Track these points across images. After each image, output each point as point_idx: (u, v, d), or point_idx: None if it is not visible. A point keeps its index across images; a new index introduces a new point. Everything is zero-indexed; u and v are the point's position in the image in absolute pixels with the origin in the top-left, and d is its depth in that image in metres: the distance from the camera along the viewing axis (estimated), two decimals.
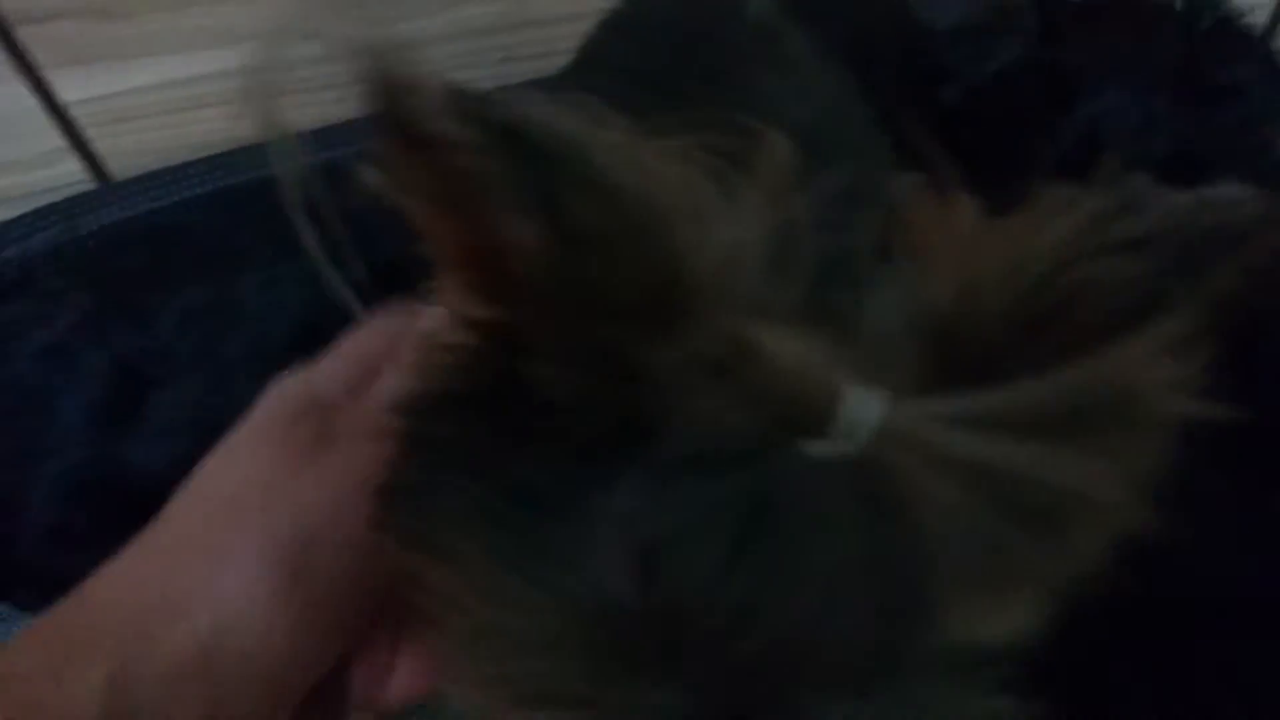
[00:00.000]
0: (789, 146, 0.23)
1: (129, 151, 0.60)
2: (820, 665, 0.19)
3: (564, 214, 0.19)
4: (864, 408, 0.19)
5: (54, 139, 0.58)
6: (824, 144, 0.29)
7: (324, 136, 0.57)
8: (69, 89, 0.57)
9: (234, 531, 0.27)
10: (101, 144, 0.59)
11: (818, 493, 0.19)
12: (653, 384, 0.20)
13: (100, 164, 0.60)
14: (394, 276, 0.26)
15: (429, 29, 0.59)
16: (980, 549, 0.19)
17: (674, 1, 0.42)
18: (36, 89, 0.56)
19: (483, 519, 0.21)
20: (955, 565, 0.19)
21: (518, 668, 0.21)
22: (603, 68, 0.42)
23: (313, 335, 0.31)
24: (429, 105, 0.19)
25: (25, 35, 0.54)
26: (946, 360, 0.20)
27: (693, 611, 0.19)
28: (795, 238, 0.22)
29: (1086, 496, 0.19)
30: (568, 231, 0.19)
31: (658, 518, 0.19)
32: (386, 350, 0.31)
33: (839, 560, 0.19)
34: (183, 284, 0.50)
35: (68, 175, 0.60)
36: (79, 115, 0.58)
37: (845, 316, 0.21)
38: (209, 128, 0.59)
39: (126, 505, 0.31)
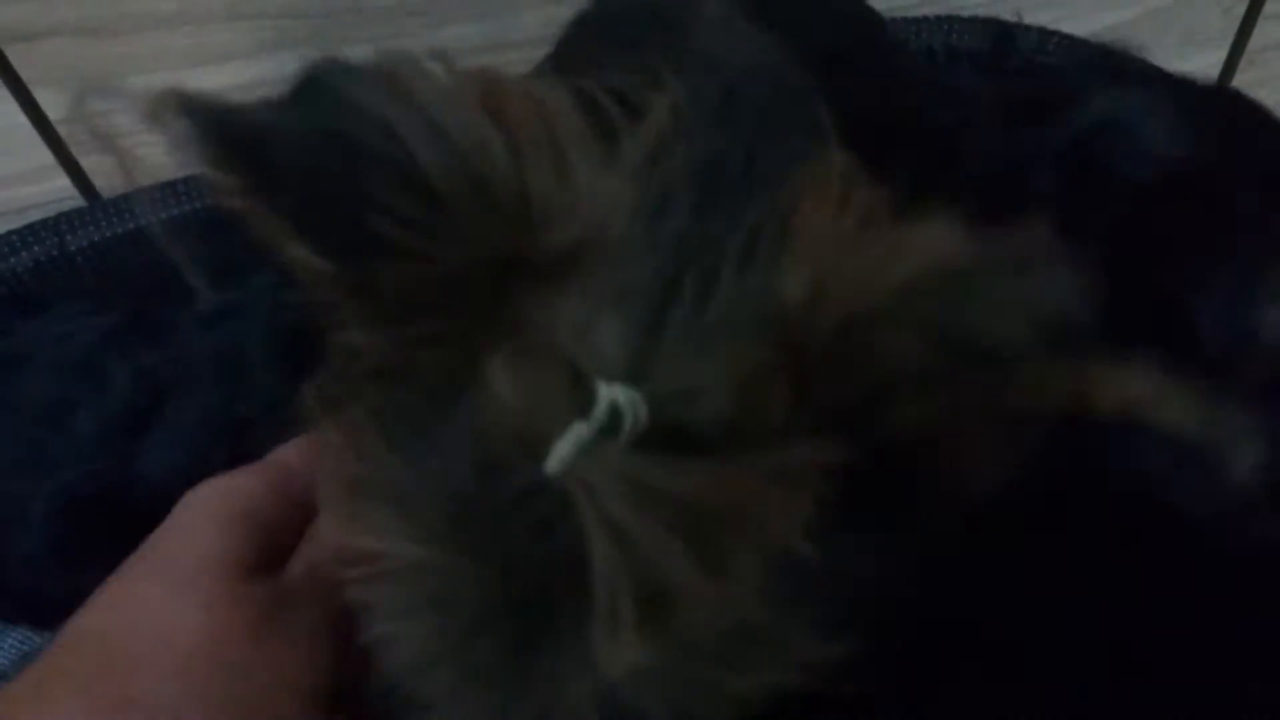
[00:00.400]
0: (675, 108, 0.24)
1: (116, 168, 0.60)
2: None
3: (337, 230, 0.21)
4: (569, 446, 0.21)
5: (43, 155, 0.59)
6: (744, 105, 0.28)
7: None
8: (57, 105, 0.57)
9: (185, 708, 0.27)
10: (89, 161, 0.60)
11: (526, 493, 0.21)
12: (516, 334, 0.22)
13: (89, 180, 0.61)
14: None
15: (415, 47, 0.59)
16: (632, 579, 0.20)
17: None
18: (26, 106, 0.57)
19: (383, 410, 0.24)
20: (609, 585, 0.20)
21: (385, 514, 0.23)
22: (571, 61, 0.42)
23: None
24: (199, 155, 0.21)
25: (15, 53, 0.54)
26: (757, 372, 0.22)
27: (489, 520, 0.22)
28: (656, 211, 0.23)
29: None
30: (342, 246, 0.21)
31: (485, 444, 0.22)
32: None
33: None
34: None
35: (56, 192, 0.60)
36: (67, 132, 0.58)
37: (667, 313, 0.22)
38: None
39: (124, 523, 0.32)
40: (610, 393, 0.21)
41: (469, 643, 0.23)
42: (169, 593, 0.29)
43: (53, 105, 0.57)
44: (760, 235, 0.23)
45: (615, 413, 0.21)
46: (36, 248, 0.55)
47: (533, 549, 0.22)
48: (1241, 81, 0.77)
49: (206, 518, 0.30)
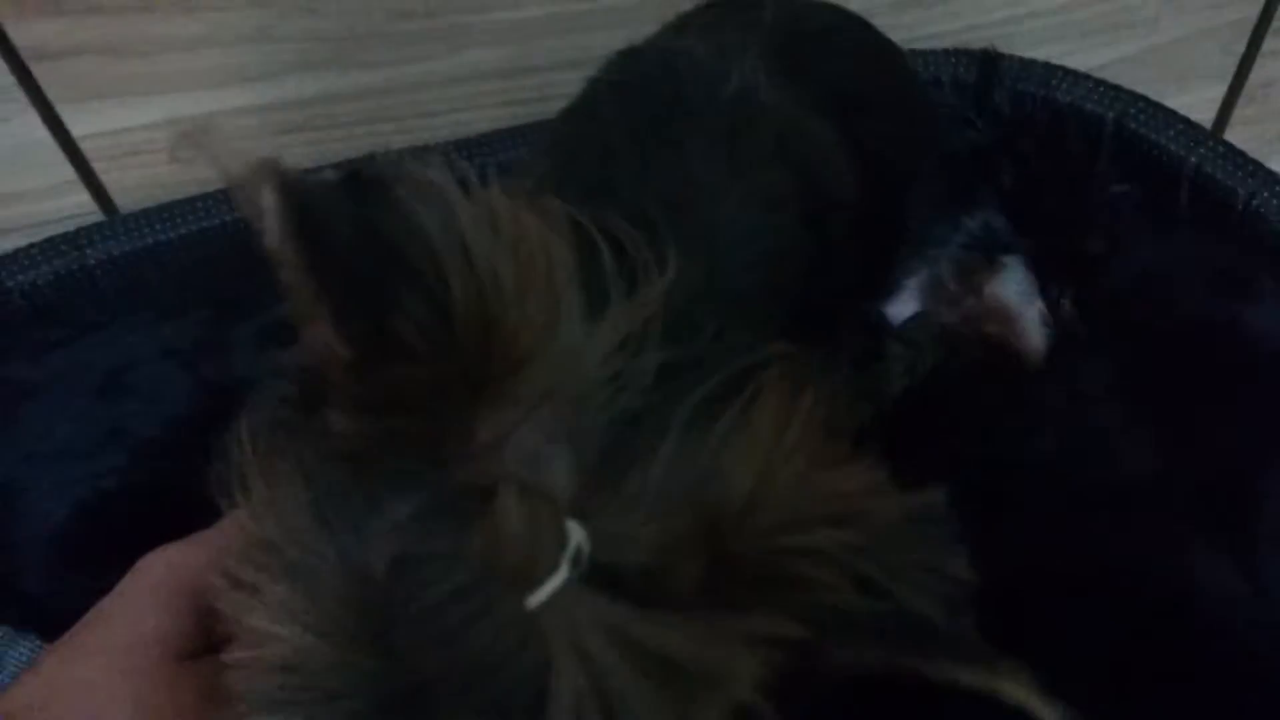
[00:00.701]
0: (667, 283, 0.26)
1: (136, 185, 0.61)
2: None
3: (373, 329, 0.23)
4: (550, 590, 0.23)
5: (64, 171, 0.60)
6: (720, 288, 0.30)
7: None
8: (81, 123, 0.58)
9: None
10: (110, 177, 0.61)
11: (504, 615, 0.23)
12: (463, 444, 0.24)
13: (108, 197, 0.61)
14: None
15: (434, 71, 0.61)
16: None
17: (660, 64, 0.43)
18: (49, 122, 0.58)
19: (316, 464, 0.25)
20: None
21: (284, 590, 0.24)
22: (592, 118, 0.43)
23: None
24: (271, 227, 0.22)
25: (42, 70, 0.55)
26: (681, 550, 0.24)
27: (409, 615, 0.23)
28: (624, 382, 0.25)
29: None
30: (371, 342, 0.23)
31: (417, 538, 0.24)
32: None
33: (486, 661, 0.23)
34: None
35: (76, 207, 0.61)
36: (89, 149, 0.59)
37: (624, 474, 0.24)
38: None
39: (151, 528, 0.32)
40: (578, 533, 0.23)
41: None
42: (105, 675, 0.29)
43: (76, 122, 0.58)
44: (708, 417, 0.25)
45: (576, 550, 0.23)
46: (57, 261, 0.56)
47: (480, 664, 0.23)
48: (1240, 117, 0.79)
49: (151, 593, 0.31)
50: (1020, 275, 0.51)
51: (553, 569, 0.22)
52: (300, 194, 0.23)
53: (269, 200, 0.22)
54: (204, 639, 0.30)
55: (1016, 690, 0.22)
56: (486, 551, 0.23)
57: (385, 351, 0.24)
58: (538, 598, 0.22)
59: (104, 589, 0.31)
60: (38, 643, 0.45)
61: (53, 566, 0.45)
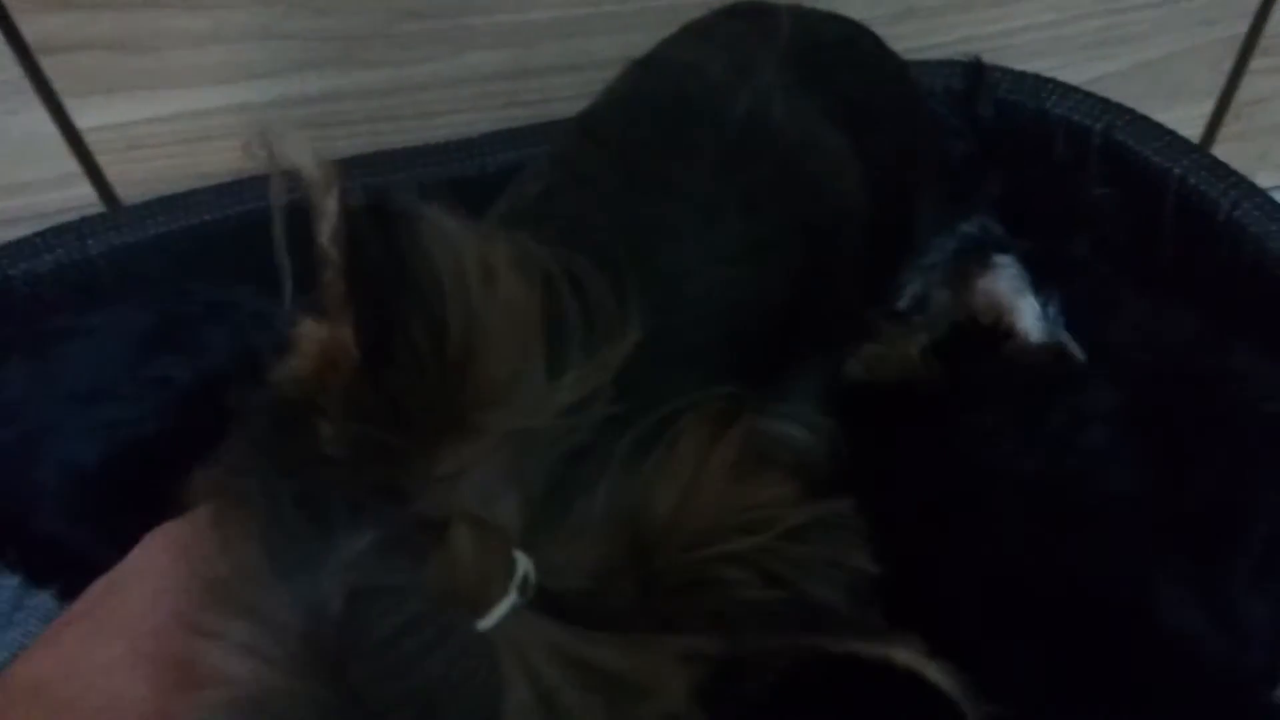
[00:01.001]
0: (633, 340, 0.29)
1: (140, 179, 0.62)
2: None
3: (393, 336, 0.25)
4: (499, 614, 0.25)
5: (68, 163, 0.60)
6: (667, 352, 0.32)
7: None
8: (86, 116, 0.59)
9: None
10: (113, 170, 0.62)
11: (458, 641, 0.25)
12: (421, 480, 0.26)
13: (111, 190, 0.62)
14: None
15: (437, 72, 0.62)
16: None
17: (671, 83, 0.44)
18: (55, 114, 0.58)
19: (270, 506, 0.26)
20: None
21: (241, 629, 0.26)
22: (592, 138, 0.44)
23: None
24: (327, 228, 0.25)
25: (50, 63, 0.56)
26: (614, 568, 0.26)
27: (365, 648, 0.25)
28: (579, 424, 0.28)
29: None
30: (390, 349, 0.25)
31: (374, 572, 0.25)
32: None
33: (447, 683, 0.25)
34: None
35: (79, 199, 0.62)
36: (94, 142, 0.60)
37: (569, 505, 0.27)
38: (220, 159, 0.61)
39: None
40: (525, 563, 0.25)
41: None
42: (125, 657, 0.30)
43: (82, 115, 0.59)
44: (642, 453, 0.28)
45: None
46: (60, 250, 0.57)
47: (434, 692, 0.25)
48: (1227, 134, 0.80)
49: (165, 573, 0.31)
50: (1013, 272, 0.52)
51: (502, 595, 0.25)
52: (366, 204, 0.25)
53: (331, 204, 0.24)
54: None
55: (908, 657, 0.25)
56: (441, 580, 0.25)
57: (387, 363, 0.25)
58: (488, 621, 0.25)
59: (122, 536, 0.31)
60: (52, 602, 0.45)
61: (74, 511, 0.45)
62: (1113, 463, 0.44)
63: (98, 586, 0.32)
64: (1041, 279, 0.54)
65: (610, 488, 0.27)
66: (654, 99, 0.44)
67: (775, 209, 0.40)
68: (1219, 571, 0.42)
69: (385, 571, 0.25)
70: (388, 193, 0.26)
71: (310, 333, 0.27)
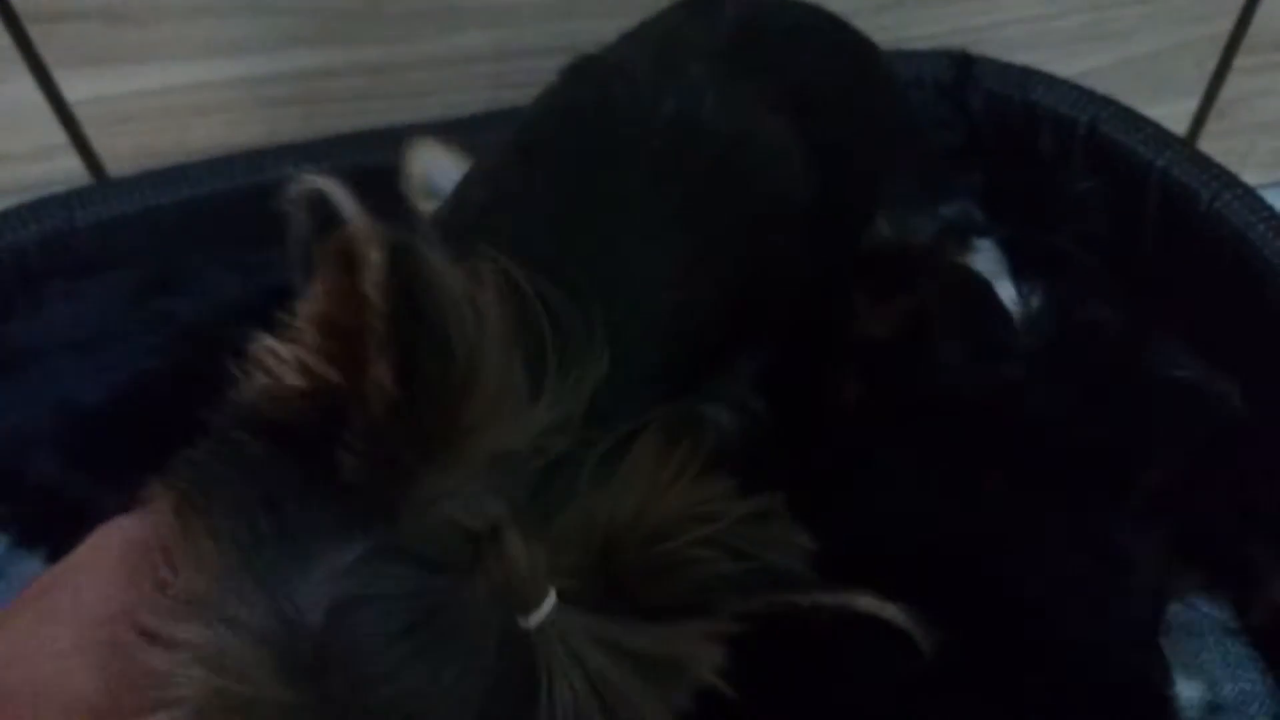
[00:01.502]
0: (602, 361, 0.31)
1: (127, 152, 0.62)
2: None
3: (412, 370, 0.26)
4: (542, 610, 0.27)
5: (56, 135, 0.60)
6: (624, 374, 0.33)
7: (323, 148, 0.60)
8: (75, 87, 0.59)
9: None
10: (101, 143, 0.61)
11: (477, 633, 0.27)
12: (414, 498, 0.27)
13: (98, 162, 0.62)
14: None
15: (426, 51, 0.62)
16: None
17: (598, 89, 0.44)
18: (43, 85, 0.58)
19: (243, 517, 0.27)
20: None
21: (213, 639, 0.26)
22: (527, 155, 0.44)
23: None
24: (363, 251, 0.26)
25: (37, 33, 0.56)
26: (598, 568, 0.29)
27: (348, 657, 0.26)
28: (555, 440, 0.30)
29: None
30: (408, 381, 0.26)
31: (362, 583, 0.26)
32: None
33: (462, 683, 0.26)
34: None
35: (65, 171, 0.61)
36: (82, 113, 0.60)
37: (549, 516, 0.29)
38: (209, 133, 0.61)
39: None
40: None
41: None
42: (75, 644, 0.30)
43: (71, 86, 0.59)
44: (607, 465, 0.31)
45: None
46: (47, 221, 0.57)
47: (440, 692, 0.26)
48: (1211, 131, 0.81)
49: (117, 567, 0.31)
50: (993, 255, 0.53)
51: (546, 592, 0.27)
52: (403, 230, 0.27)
53: (376, 258, 0.25)
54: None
55: (868, 603, 0.28)
56: (493, 581, 0.27)
57: (405, 392, 0.27)
58: (538, 616, 0.27)
59: (119, 481, 0.31)
60: (40, 568, 0.45)
61: (72, 453, 0.45)
62: (1030, 394, 0.47)
63: (46, 577, 0.32)
64: (1024, 268, 0.54)
65: (581, 499, 0.30)
66: (581, 109, 0.44)
67: (712, 211, 0.41)
68: (1109, 509, 0.44)
69: (375, 581, 0.26)
70: (401, 236, 0.27)
71: (274, 351, 0.28)
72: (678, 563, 0.29)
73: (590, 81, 0.45)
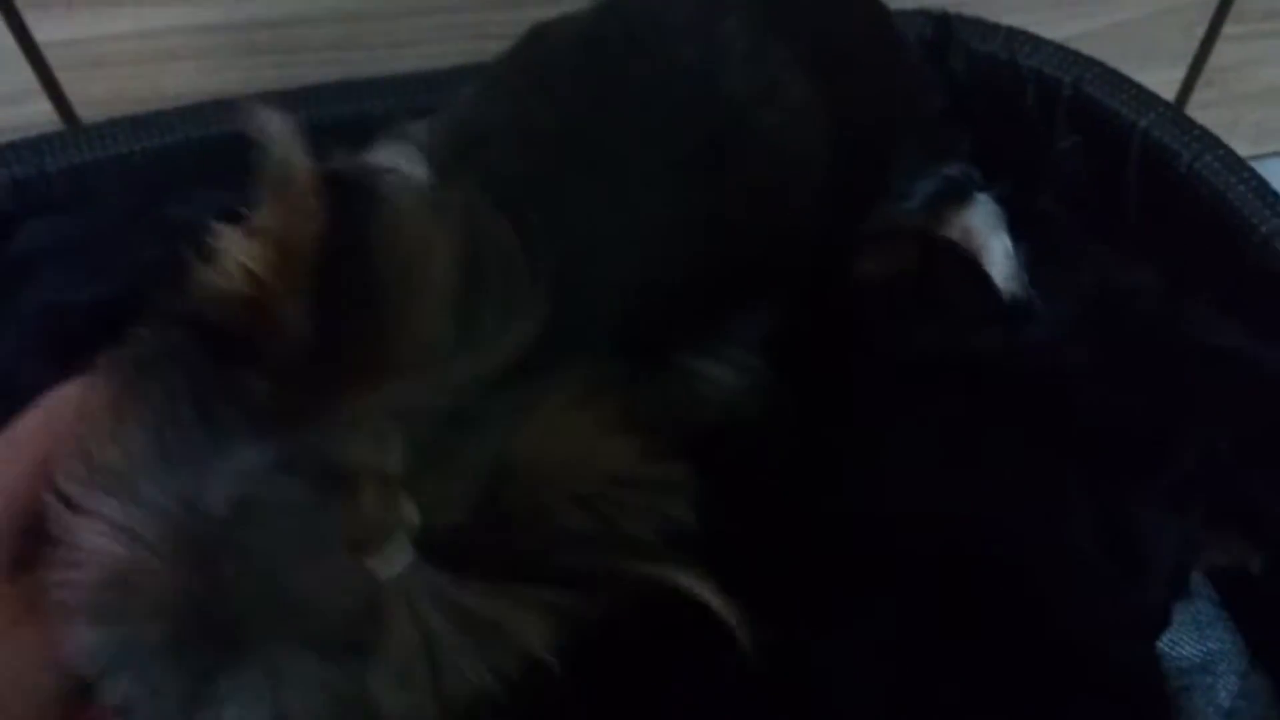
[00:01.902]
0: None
1: (100, 97, 0.61)
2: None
3: (332, 306, 0.27)
4: (394, 565, 0.27)
5: (26, 78, 0.59)
6: (568, 324, 0.33)
7: (299, 96, 0.59)
8: (46, 29, 0.58)
9: None
10: (73, 87, 0.60)
11: (340, 569, 0.27)
12: (318, 425, 0.27)
13: (70, 107, 0.61)
14: None
15: (406, 2, 0.61)
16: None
17: (628, 28, 0.43)
18: (12, 25, 0.57)
19: (169, 404, 0.28)
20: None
21: (120, 512, 0.27)
22: (539, 82, 0.43)
23: None
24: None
25: None
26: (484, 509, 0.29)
27: (240, 552, 0.27)
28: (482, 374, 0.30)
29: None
30: (328, 316, 0.27)
31: (264, 487, 0.27)
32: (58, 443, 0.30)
33: (320, 612, 0.27)
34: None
35: (35, 115, 0.61)
36: (53, 56, 0.59)
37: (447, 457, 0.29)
38: (183, 79, 0.60)
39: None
40: (412, 511, 0.28)
41: (157, 660, 0.27)
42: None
43: (41, 28, 0.57)
44: (518, 414, 0.30)
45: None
46: (17, 167, 0.56)
47: (306, 602, 0.27)
48: (1198, 99, 0.81)
49: (44, 427, 0.31)
50: (990, 209, 0.52)
51: (398, 549, 0.27)
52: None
53: (304, 188, 0.26)
54: (26, 551, 0.30)
55: (687, 582, 0.28)
56: (346, 528, 0.27)
57: (325, 309, 0.27)
58: (386, 571, 0.27)
59: None
60: None
61: (59, 353, 0.44)
62: (1052, 356, 0.46)
63: None
64: (1009, 227, 0.54)
65: (485, 439, 0.30)
66: (606, 45, 0.43)
67: (720, 167, 0.40)
68: (1133, 488, 0.43)
69: (279, 488, 0.27)
70: (339, 166, 0.28)
71: (235, 247, 0.29)
72: (541, 515, 0.29)
73: (621, 19, 0.44)
